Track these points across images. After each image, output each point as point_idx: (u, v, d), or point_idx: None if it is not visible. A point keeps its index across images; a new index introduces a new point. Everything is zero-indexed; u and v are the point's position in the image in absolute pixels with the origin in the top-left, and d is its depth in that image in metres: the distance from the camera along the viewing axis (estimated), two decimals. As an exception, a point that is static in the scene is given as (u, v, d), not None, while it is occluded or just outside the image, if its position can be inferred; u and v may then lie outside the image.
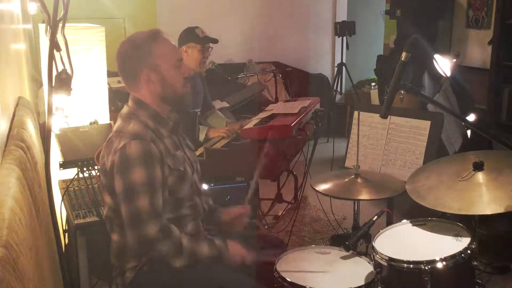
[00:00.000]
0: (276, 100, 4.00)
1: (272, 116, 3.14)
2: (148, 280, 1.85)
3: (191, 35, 3.26)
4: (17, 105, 2.19)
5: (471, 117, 4.05)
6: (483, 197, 1.77)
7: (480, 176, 1.85)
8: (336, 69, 6.23)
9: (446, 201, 1.81)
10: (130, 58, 1.88)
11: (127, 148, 1.75)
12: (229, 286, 1.81)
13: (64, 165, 2.31)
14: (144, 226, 1.73)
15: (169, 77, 1.87)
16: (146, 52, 1.85)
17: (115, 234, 1.90)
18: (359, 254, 1.97)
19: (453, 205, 1.78)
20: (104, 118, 2.94)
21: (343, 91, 6.60)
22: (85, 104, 2.84)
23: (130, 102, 1.93)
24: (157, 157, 1.79)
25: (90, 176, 2.36)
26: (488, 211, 1.72)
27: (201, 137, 3.18)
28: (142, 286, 1.86)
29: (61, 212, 2.29)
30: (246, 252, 1.89)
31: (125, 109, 1.93)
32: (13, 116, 2.01)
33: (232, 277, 1.84)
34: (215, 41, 3.30)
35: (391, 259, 1.74)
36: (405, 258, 1.73)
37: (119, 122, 1.90)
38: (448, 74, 3.95)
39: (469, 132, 3.80)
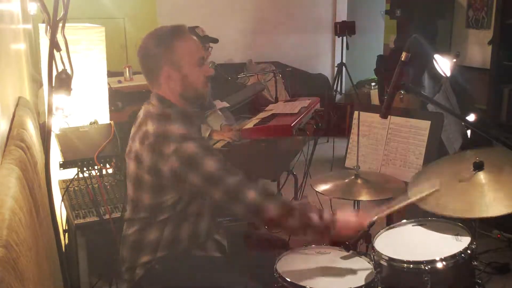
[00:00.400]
0: (276, 100, 4.00)
1: (272, 116, 3.14)
2: (158, 278, 1.85)
3: (191, 34, 3.26)
4: (17, 105, 2.19)
5: (471, 117, 4.04)
6: (485, 199, 1.76)
7: (480, 176, 1.84)
8: (336, 69, 6.23)
9: (448, 204, 1.80)
10: (151, 54, 1.86)
11: (183, 150, 1.75)
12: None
13: (64, 165, 2.31)
14: (245, 194, 1.77)
15: (190, 76, 1.85)
16: (167, 48, 1.82)
17: (133, 227, 1.90)
18: (359, 254, 1.97)
19: (456, 207, 1.77)
20: (104, 118, 2.94)
21: (343, 91, 6.60)
22: (85, 104, 2.84)
23: (153, 100, 1.89)
24: (209, 148, 1.85)
25: (90, 176, 2.36)
26: (491, 213, 1.71)
27: (205, 135, 3.17)
28: (152, 283, 1.86)
29: (61, 212, 2.29)
30: (356, 228, 1.87)
31: (152, 109, 1.88)
32: (13, 116, 2.01)
33: (242, 279, 1.85)
34: (215, 40, 3.30)
35: (391, 259, 1.74)
36: (405, 258, 1.72)
37: (153, 123, 1.83)
38: (448, 74, 3.95)
39: (469, 132, 3.80)
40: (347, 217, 1.89)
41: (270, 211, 1.78)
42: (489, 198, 1.76)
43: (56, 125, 2.49)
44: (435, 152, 2.59)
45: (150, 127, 1.83)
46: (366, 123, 2.80)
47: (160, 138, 1.79)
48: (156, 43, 1.85)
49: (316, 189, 2.22)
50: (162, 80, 1.86)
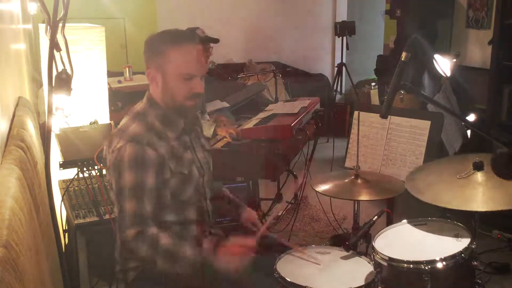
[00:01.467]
0: (276, 100, 4.00)
1: (272, 116, 3.14)
2: (149, 282, 1.85)
3: None
4: (17, 105, 2.19)
5: (471, 117, 4.05)
6: (481, 195, 1.78)
7: (479, 176, 1.85)
8: (336, 69, 6.24)
9: (445, 196, 1.81)
10: (146, 50, 1.87)
11: (122, 150, 1.75)
12: None
13: (64, 165, 2.31)
14: (125, 228, 1.72)
15: (172, 85, 1.82)
16: (159, 50, 1.81)
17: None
18: (359, 254, 1.97)
19: (451, 200, 1.78)
20: (104, 118, 2.94)
21: (343, 91, 6.60)
22: (85, 104, 2.84)
23: (144, 99, 1.91)
24: (151, 161, 1.76)
25: (90, 176, 2.36)
26: (485, 208, 1.72)
27: (209, 133, 3.16)
28: (145, 286, 1.86)
29: (61, 212, 2.29)
30: (243, 257, 1.72)
31: (137, 106, 1.91)
32: (13, 116, 2.01)
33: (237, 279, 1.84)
34: (216, 41, 3.30)
35: (391, 259, 1.74)
36: (405, 258, 1.72)
37: (125, 119, 1.88)
38: (448, 74, 3.95)
39: (469, 132, 3.80)
40: (228, 246, 1.75)
41: (139, 254, 1.71)
42: (485, 195, 1.77)
43: (56, 125, 2.49)
44: (435, 152, 2.59)
45: (122, 122, 1.88)
46: (366, 123, 2.80)
47: (117, 132, 1.82)
48: (155, 40, 1.85)
49: (316, 189, 2.22)
50: (149, 79, 1.87)
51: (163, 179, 1.80)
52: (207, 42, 3.28)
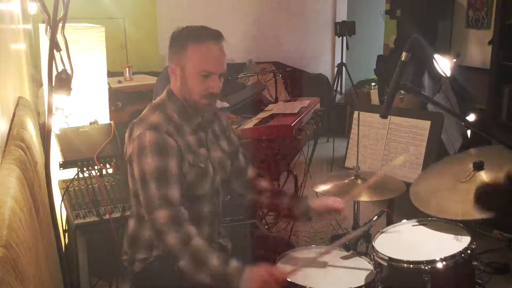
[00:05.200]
0: (276, 100, 4.00)
1: (272, 116, 3.14)
2: (155, 275, 1.86)
3: None
4: (17, 105, 2.19)
5: (471, 117, 4.05)
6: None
7: (481, 176, 1.84)
8: (336, 69, 6.23)
9: (450, 207, 1.80)
10: (170, 44, 1.88)
11: (142, 137, 1.76)
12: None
13: (64, 165, 2.31)
14: (154, 211, 1.71)
15: (189, 81, 1.83)
16: (180, 46, 1.83)
17: (132, 220, 1.93)
18: (359, 254, 1.97)
19: (457, 210, 1.77)
20: (104, 118, 2.94)
21: (343, 91, 6.60)
22: (85, 104, 2.84)
23: (164, 92, 1.93)
24: (173, 149, 1.77)
25: (90, 176, 2.36)
26: (490, 214, 1.71)
27: None
28: (149, 280, 1.87)
29: (61, 212, 2.29)
30: (268, 286, 1.66)
31: (158, 98, 1.93)
32: (13, 116, 2.01)
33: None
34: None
35: (391, 259, 1.74)
36: (405, 258, 1.72)
37: (145, 110, 1.90)
38: (448, 74, 3.95)
39: (469, 132, 3.81)
40: (256, 272, 1.68)
41: (167, 241, 1.69)
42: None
43: (56, 125, 2.49)
44: (435, 152, 2.59)
45: (142, 114, 1.90)
46: (366, 123, 2.80)
47: (137, 121, 1.84)
48: (179, 35, 1.86)
49: (316, 189, 2.22)
50: (170, 72, 1.89)
51: (182, 171, 1.81)
52: None
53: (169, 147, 1.77)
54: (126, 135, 1.88)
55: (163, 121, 1.82)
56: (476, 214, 1.74)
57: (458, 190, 1.85)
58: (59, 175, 2.52)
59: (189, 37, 1.83)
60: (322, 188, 2.23)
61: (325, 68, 6.82)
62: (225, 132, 2.08)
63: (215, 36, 1.84)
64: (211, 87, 1.83)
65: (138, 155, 1.76)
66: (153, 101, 1.95)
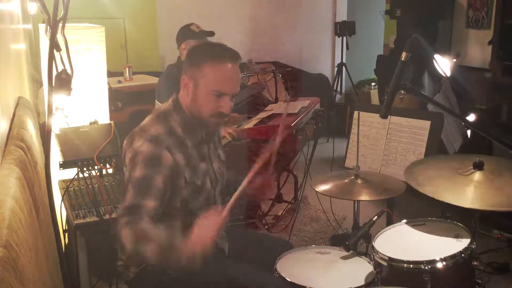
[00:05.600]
0: (276, 100, 4.00)
1: (272, 116, 3.14)
2: (150, 280, 1.85)
3: (187, 32, 3.24)
4: (17, 105, 2.19)
5: (471, 117, 4.05)
6: (482, 194, 1.77)
7: (479, 175, 1.85)
8: (336, 69, 6.24)
9: (445, 191, 1.80)
10: (186, 57, 1.89)
11: (140, 147, 1.76)
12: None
13: (64, 165, 2.31)
14: (119, 218, 1.68)
15: (200, 98, 1.82)
16: (197, 62, 1.82)
17: None
18: (359, 254, 1.97)
19: (452, 196, 1.77)
20: (104, 118, 2.94)
21: (343, 91, 6.60)
22: (85, 104, 2.84)
23: (169, 100, 1.92)
24: (166, 165, 1.75)
25: (90, 176, 2.36)
26: (485, 207, 1.72)
27: None
28: (144, 285, 1.87)
29: (61, 212, 2.29)
30: (215, 227, 1.61)
31: (162, 106, 1.92)
32: (13, 116, 2.01)
33: (237, 274, 1.83)
34: (211, 34, 3.27)
35: (391, 259, 1.74)
36: (405, 258, 1.73)
37: (149, 117, 1.88)
38: (448, 74, 3.95)
39: (469, 132, 3.80)
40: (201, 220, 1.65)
41: (124, 239, 1.63)
42: (486, 194, 1.77)
43: (56, 125, 2.49)
44: (435, 152, 2.59)
45: (145, 120, 1.88)
46: (366, 123, 2.80)
47: (139, 131, 1.83)
48: (198, 50, 1.88)
49: (316, 189, 2.22)
50: (182, 85, 1.87)
51: (176, 187, 1.80)
52: (203, 36, 3.26)
53: (162, 163, 1.75)
54: (126, 142, 1.86)
55: (164, 134, 1.80)
56: (470, 204, 1.74)
57: (455, 181, 1.85)
58: (59, 175, 2.52)
59: (207, 54, 1.83)
60: (322, 188, 2.23)
61: (325, 68, 6.82)
62: (220, 140, 2.10)
63: (233, 57, 1.84)
64: (221, 106, 1.82)
65: (131, 163, 1.76)
66: (155, 106, 1.93)
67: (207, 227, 1.62)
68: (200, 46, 1.90)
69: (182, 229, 1.76)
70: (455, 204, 1.75)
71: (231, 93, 1.83)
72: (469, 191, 1.79)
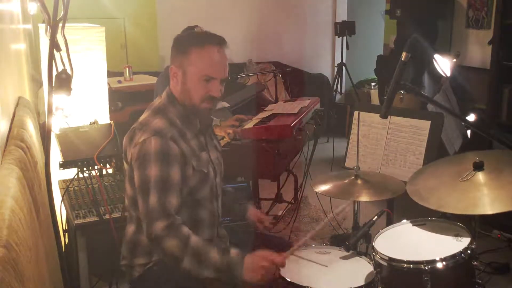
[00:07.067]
0: (276, 100, 4.00)
1: (272, 116, 3.14)
2: (155, 280, 1.85)
3: None
4: (17, 105, 2.19)
5: (471, 117, 4.05)
6: (486, 197, 1.76)
7: (480, 176, 1.84)
8: (336, 69, 6.24)
9: (449, 201, 1.80)
10: (172, 46, 1.89)
11: (147, 143, 1.76)
12: None
13: (64, 165, 2.31)
14: (153, 222, 1.71)
15: (190, 85, 1.84)
16: (183, 49, 1.84)
17: (131, 225, 1.92)
18: (359, 254, 1.97)
19: (457, 205, 1.77)
20: (104, 118, 2.94)
21: (343, 91, 6.60)
22: (85, 104, 2.85)
23: (163, 94, 1.93)
24: (176, 156, 1.78)
25: (90, 176, 2.36)
26: (491, 211, 1.71)
27: None
28: (148, 285, 1.87)
29: (61, 212, 2.29)
30: (268, 271, 1.72)
31: (157, 101, 1.93)
32: (13, 116, 2.01)
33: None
34: None
35: (391, 259, 1.74)
36: (405, 258, 1.72)
37: (146, 113, 1.90)
38: (448, 74, 3.95)
39: (469, 132, 3.80)
40: (256, 258, 1.73)
41: (167, 248, 1.70)
42: (489, 197, 1.76)
43: (56, 125, 2.49)
44: (435, 152, 2.58)
45: (142, 117, 1.89)
46: (366, 123, 2.80)
47: (139, 126, 1.83)
48: (182, 39, 1.89)
49: (316, 189, 2.22)
50: (171, 75, 1.89)
51: (185, 176, 1.82)
52: None
53: (173, 154, 1.77)
54: (126, 139, 1.87)
55: (167, 126, 1.82)
56: (476, 210, 1.74)
57: (458, 188, 1.84)
58: (59, 175, 2.52)
59: (192, 41, 1.84)
60: (322, 188, 2.22)
61: (325, 68, 6.82)
62: (213, 131, 2.12)
63: (218, 41, 1.85)
64: (211, 90, 1.84)
65: (141, 162, 1.76)
66: (153, 103, 1.95)
67: (267, 269, 1.72)
68: (185, 34, 1.91)
69: (192, 224, 1.82)
70: (461, 213, 1.74)
71: (220, 77, 1.85)
72: (473, 198, 1.77)
